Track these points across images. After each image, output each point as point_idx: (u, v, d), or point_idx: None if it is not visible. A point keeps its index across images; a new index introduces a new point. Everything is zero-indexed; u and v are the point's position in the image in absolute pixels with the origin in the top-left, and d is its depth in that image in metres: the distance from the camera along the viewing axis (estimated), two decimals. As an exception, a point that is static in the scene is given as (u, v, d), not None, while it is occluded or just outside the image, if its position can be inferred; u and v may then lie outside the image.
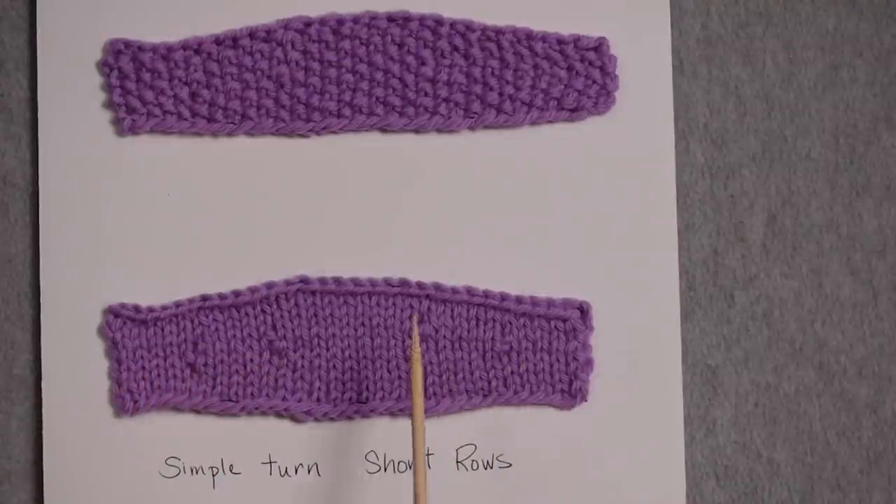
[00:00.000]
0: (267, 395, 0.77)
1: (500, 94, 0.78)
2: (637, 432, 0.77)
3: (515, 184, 0.78)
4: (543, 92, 0.78)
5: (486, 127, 0.78)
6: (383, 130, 0.78)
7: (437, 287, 0.78)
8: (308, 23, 0.78)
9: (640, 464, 0.77)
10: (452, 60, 0.78)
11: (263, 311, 0.77)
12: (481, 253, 0.78)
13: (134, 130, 0.78)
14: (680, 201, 0.79)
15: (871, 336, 0.79)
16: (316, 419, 0.77)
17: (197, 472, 0.77)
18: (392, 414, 0.77)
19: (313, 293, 0.77)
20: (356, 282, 0.77)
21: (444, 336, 0.77)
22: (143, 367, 0.77)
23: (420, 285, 0.77)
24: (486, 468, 0.78)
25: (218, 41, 0.78)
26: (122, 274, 0.77)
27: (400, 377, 0.77)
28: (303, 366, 0.77)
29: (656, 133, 0.78)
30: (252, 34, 0.78)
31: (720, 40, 0.80)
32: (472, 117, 0.78)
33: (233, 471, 0.77)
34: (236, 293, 0.77)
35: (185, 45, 0.78)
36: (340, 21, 0.78)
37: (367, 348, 0.77)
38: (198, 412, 0.77)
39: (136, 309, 0.77)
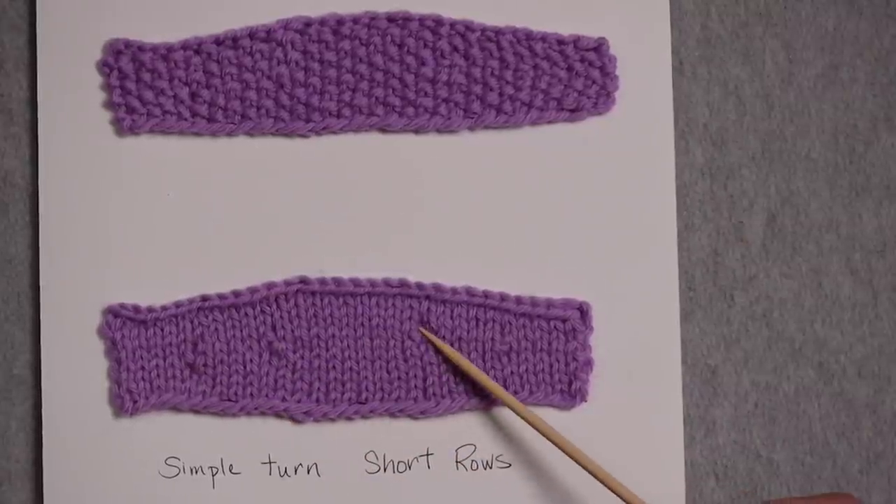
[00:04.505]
0: (266, 395, 0.77)
1: (500, 95, 0.78)
2: (637, 432, 0.77)
3: (515, 184, 0.78)
4: (543, 92, 0.78)
5: (486, 127, 0.78)
6: (383, 130, 0.78)
7: (437, 288, 0.78)
8: (308, 23, 0.78)
9: (640, 464, 0.77)
10: (452, 60, 0.78)
11: (263, 312, 0.77)
12: (481, 253, 0.78)
13: (134, 130, 0.78)
14: (680, 201, 0.79)
15: (871, 336, 0.80)
16: (315, 420, 0.77)
17: (197, 472, 0.77)
18: (392, 414, 0.77)
19: (313, 294, 0.77)
20: (356, 282, 0.77)
21: (444, 336, 0.77)
22: (143, 368, 0.77)
23: (420, 286, 0.78)
24: (486, 468, 0.78)
25: (218, 41, 0.78)
26: (122, 274, 0.77)
27: (399, 377, 0.77)
28: (302, 366, 0.77)
29: (656, 133, 0.78)
30: (252, 34, 0.78)
31: (720, 40, 0.80)
32: (472, 117, 0.78)
33: (232, 471, 0.77)
34: (236, 293, 0.77)
35: (185, 45, 0.78)
36: (340, 21, 0.78)
37: (367, 349, 0.77)
38: (197, 412, 0.77)
39: (136, 309, 0.77)
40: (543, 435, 0.74)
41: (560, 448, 0.74)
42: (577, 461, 0.73)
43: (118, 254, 0.77)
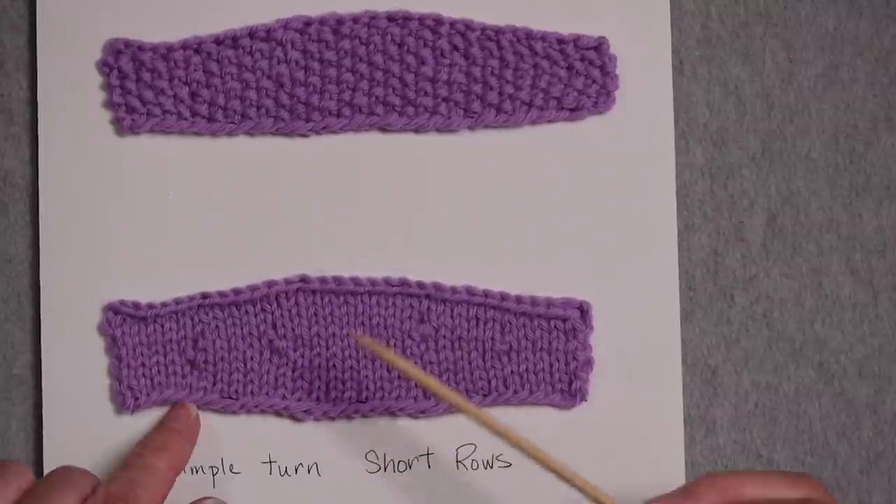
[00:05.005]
0: (267, 393, 0.77)
1: (500, 94, 0.78)
2: (637, 432, 0.77)
3: (515, 184, 0.78)
4: (543, 91, 0.78)
5: (486, 127, 0.78)
6: (383, 130, 0.78)
7: (437, 287, 0.78)
8: (308, 22, 0.78)
9: (640, 464, 0.77)
10: (452, 60, 0.78)
11: (263, 310, 0.77)
12: (481, 253, 0.78)
13: (134, 130, 0.78)
14: (680, 201, 0.79)
15: (871, 336, 0.79)
16: (316, 419, 0.77)
17: (197, 472, 0.77)
18: (392, 414, 0.77)
19: (313, 292, 0.77)
20: (356, 281, 0.77)
21: (444, 336, 0.77)
22: (143, 365, 0.77)
23: (420, 285, 0.77)
24: (486, 468, 0.78)
25: (218, 41, 0.78)
26: (123, 273, 0.77)
27: (399, 377, 0.77)
28: (302, 365, 0.77)
29: (656, 133, 0.78)
30: (252, 34, 0.78)
31: (720, 40, 0.80)
32: (472, 117, 0.78)
33: (233, 470, 0.77)
34: (236, 291, 0.77)
35: (185, 45, 0.78)
36: (340, 21, 0.78)
37: (367, 348, 0.77)
38: (198, 410, 0.77)
39: (136, 306, 0.77)
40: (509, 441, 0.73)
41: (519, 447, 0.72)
42: (537, 460, 0.72)
43: (118, 254, 0.77)
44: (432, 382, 0.71)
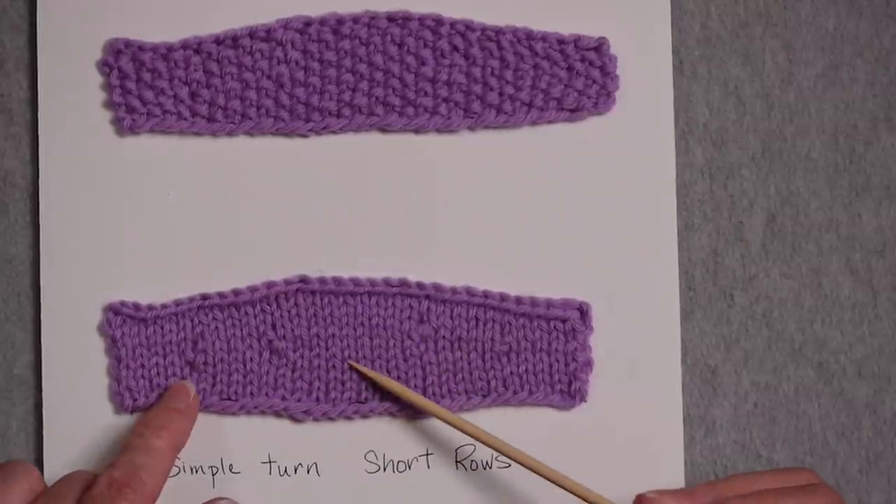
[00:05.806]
0: (266, 394, 0.77)
1: (500, 94, 0.78)
2: (637, 432, 0.77)
3: (515, 184, 0.78)
4: (543, 92, 0.78)
5: (486, 127, 0.78)
6: (383, 130, 0.78)
7: (437, 287, 0.78)
8: (308, 23, 0.78)
9: (640, 464, 0.77)
10: (452, 60, 0.78)
11: (263, 311, 0.77)
12: (481, 253, 0.78)
13: (134, 130, 0.78)
14: (680, 201, 0.79)
15: (871, 336, 0.79)
16: (315, 419, 0.77)
17: (197, 472, 0.77)
18: (391, 414, 0.77)
19: (313, 293, 0.77)
20: (356, 282, 0.77)
21: (444, 336, 0.77)
22: (143, 365, 0.77)
23: (420, 285, 0.77)
24: (485, 468, 0.78)
25: (218, 41, 0.78)
26: (122, 273, 0.77)
27: (399, 378, 0.77)
28: (302, 365, 0.77)
29: (656, 133, 0.78)
30: (252, 34, 0.78)
31: (720, 40, 0.80)
32: (472, 117, 0.78)
33: (232, 470, 0.77)
34: (236, 292, 0.77)
35: (185, 45, 0.78)
36: (340, 21, 0.78)
37: (367, 348, 0.77)
38: (198, 412, 0.77)
39: (136, 307, 0.77)
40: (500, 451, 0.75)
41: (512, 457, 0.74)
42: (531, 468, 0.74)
43: (118, 254, 0.77)
44: (444, 412, 0.74)
